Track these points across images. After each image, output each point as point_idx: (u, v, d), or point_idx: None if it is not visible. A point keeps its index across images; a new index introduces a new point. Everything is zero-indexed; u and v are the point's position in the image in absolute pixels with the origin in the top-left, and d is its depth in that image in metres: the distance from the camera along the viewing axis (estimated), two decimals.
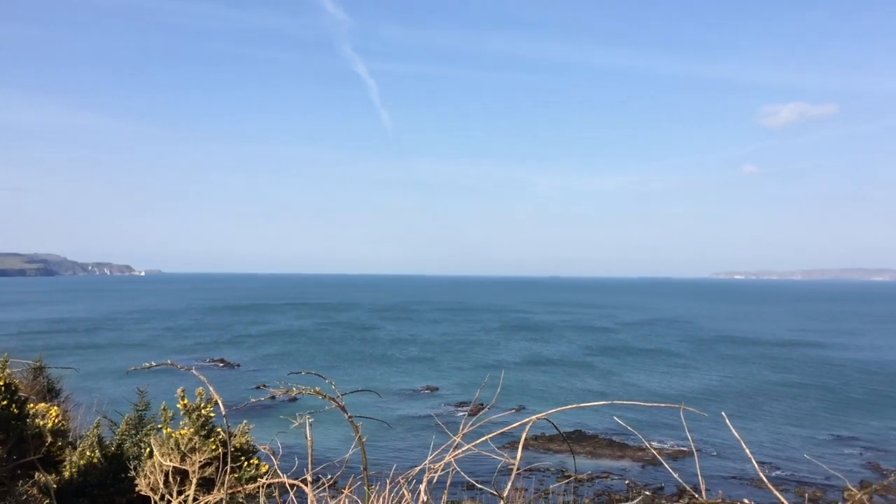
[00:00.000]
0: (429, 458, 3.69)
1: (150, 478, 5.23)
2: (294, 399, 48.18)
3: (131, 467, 5.52)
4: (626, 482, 37.53)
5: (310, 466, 4.30)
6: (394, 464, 4.79)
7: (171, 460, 5.16)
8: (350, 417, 4.10)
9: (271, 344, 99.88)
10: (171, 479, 5.17)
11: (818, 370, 78.90)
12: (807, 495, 34.78)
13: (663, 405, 3.60)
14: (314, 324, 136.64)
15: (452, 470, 3.68)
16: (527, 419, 3.65)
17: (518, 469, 3.70)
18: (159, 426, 5.73)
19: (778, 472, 39.25)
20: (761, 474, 3.55)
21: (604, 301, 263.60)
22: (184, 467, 5.15)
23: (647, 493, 35.94)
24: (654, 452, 3.92)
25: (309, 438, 4.29)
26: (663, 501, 33.43)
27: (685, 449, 42.83)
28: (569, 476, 35.34)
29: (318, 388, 4.21)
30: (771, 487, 3.61)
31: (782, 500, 3.62)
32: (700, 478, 3.61)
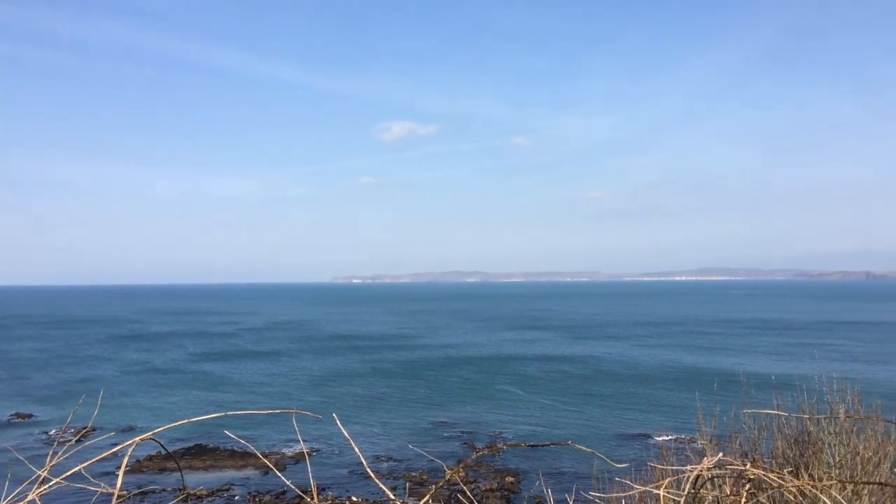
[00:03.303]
0: (4, 502, 3.16)
1: None
2: None
3: None
4: (249, 492, 37.28)
5: None
6: None
7: None
8: None
9: None
10: None
11: (420, 364, 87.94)
12: (424, 478, 38.35)
13: (278, 411, 3.61)
14: None
15: None
16: (130, 441, 3.36)
17: (121, 495, 3.38)
18: None
19: (390, 463, 42.64)
20: (367, 468, 3.80)
21: (226, 308, 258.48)
22: None
23: (267, 500, 36.18)
24: (267, 463, 3.91)
25: None
26: None
27: (308, 451, 44.03)
28: (187, 494, 33.80)
29: None
30: (375, 479, 3.88)
31: (385, 489, 3.91)
32: (311, 480, 3.72)
